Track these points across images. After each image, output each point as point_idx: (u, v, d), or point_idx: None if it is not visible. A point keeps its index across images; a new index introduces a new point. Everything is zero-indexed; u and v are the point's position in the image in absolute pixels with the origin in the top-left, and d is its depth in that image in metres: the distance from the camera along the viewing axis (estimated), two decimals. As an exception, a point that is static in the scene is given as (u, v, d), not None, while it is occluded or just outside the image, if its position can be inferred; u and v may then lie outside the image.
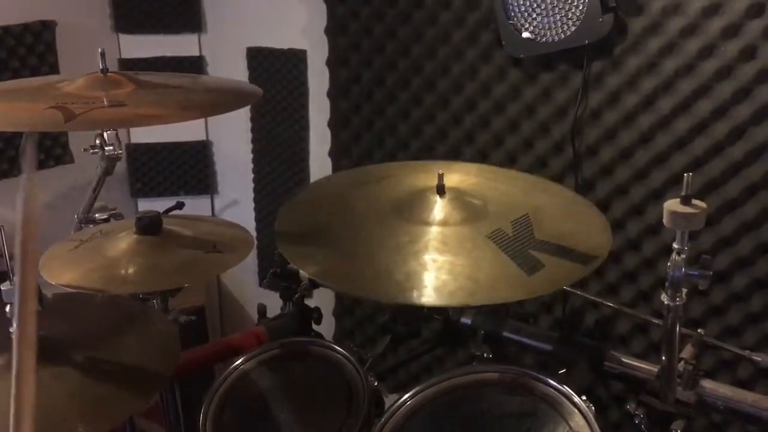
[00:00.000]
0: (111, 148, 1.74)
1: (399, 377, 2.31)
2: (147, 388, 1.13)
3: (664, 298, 1.14)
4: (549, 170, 2.03)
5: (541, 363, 1.51)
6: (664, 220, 1.08)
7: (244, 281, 3.07)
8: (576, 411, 1.15)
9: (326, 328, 1.92)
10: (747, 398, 1.27)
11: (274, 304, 1.83)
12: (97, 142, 1.75)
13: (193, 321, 1.69)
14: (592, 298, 1.85)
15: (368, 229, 1.36)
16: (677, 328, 1.15)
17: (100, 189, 1.83)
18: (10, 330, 1.14)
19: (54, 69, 2.56)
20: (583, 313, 2.02)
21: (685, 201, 1.07)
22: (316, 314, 1.78)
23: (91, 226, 1.77)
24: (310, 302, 1.81)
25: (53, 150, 2.61)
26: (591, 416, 1.12)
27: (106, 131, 1.73)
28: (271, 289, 1.83)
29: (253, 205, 2.95)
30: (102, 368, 1.13)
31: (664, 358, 1.19)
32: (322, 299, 2.03)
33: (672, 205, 1.08)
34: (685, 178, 1.08)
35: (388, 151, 2.38)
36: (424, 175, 1.49)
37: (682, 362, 1.27)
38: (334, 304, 2.62)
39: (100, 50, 1.45)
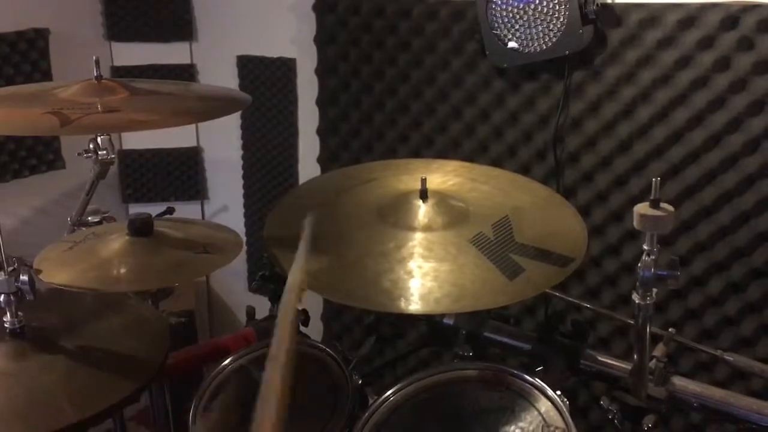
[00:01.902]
0: (104, 152, 1.78)
1: (385, 381, 2.34)
2: (136, 376, 1.17)
3: (636, 298, 1.18)
4: (532, 176, 2.05)
5: (522, 362, 1.55)
6: (634, 223, 1.13)
7: (233, 287, 3.09)
8: (550, 404, 1.19)
9: (314, 332, 1.94)
10: (715, 394, 1.31)
11: (263, 309, 1.86)
12: (91, 146, 1.78)
13: (183, 323, 1.72)
14: (573, 300, 1.89)
15: (355, 235, 1.38)
16: (648, 326, 1.19)
17: (93, 192, 1.86)
18: (4, 320, 1.19)
19: (47, 76, 2.59)
20: (565, 315, 2.07)
21: (654, 204, 1.12)
22: (304, 316, 1.80)
23: (83, 228, 1.80)
24: (298, 305, 1.83)
25: (45, 155, 2.64)
26: (564, 408, 1.16)
27: (100, 136, 1.76)
28: (260, 292, 1.85)
29: (243, 210, 2.98)
30: (92, 356, 1.17)
31: (636, 355, 1.23)
32: (311, 303, 2.05)
33: (641, 208, 1.12)
34: (654, 183, 1.12)
35: (376, 157, 2.41)
36: (406, 176, 1.52)
37: (654, 360, 1.31)
38: (323, 307, 2.66)
39: (94, 58, 1.49)
